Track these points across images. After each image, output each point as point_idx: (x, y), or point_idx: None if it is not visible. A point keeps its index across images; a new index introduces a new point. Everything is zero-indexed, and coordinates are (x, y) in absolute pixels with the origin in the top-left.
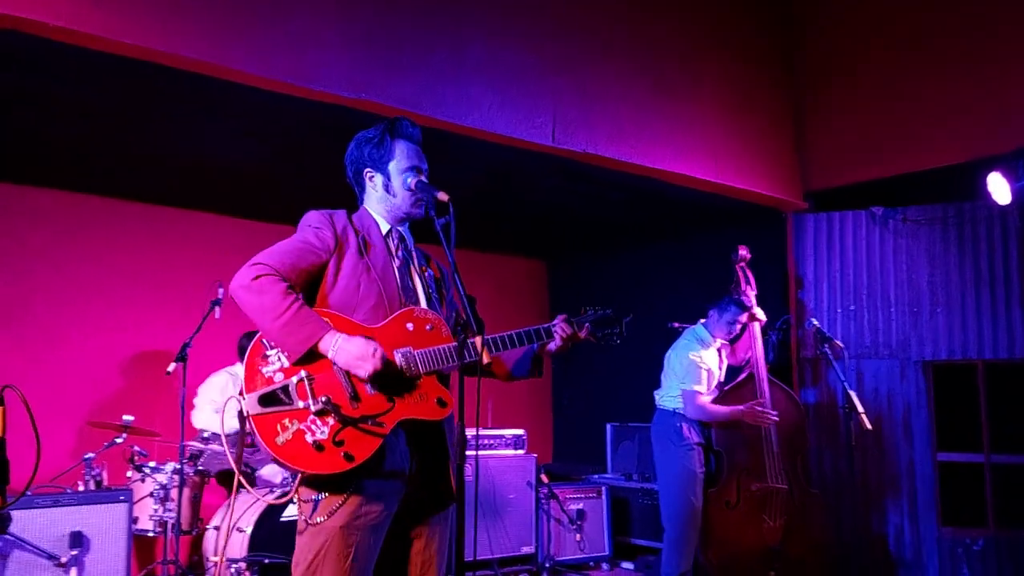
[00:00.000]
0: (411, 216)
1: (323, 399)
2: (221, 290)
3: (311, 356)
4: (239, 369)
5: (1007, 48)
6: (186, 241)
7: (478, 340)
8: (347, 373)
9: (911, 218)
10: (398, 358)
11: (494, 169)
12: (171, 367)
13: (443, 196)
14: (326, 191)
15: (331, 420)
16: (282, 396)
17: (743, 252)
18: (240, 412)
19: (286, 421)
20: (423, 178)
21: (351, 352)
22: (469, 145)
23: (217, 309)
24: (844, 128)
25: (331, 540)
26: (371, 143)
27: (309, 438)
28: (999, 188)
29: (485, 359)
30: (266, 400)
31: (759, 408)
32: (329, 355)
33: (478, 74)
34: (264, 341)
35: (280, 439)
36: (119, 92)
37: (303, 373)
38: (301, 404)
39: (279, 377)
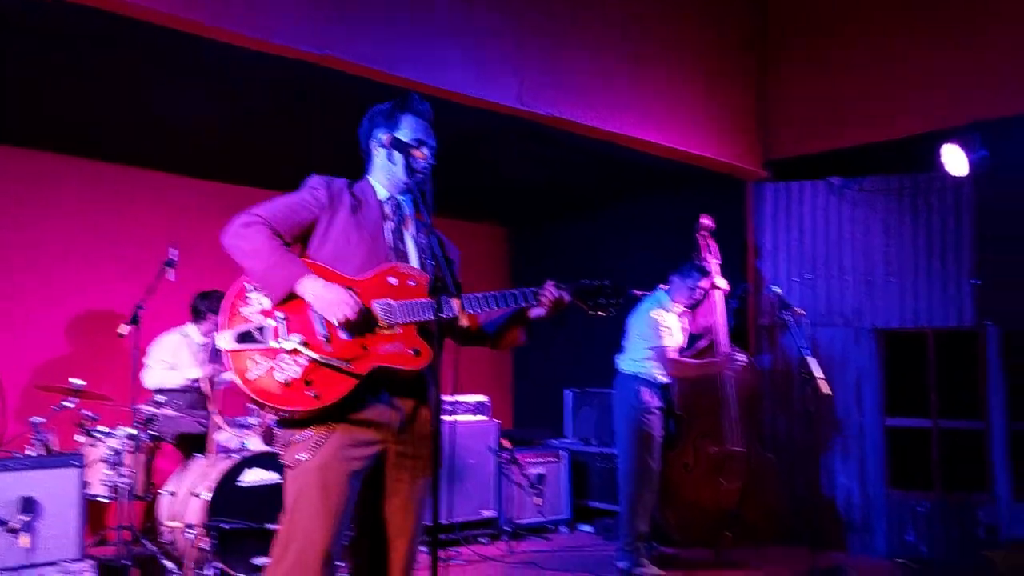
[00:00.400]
0: (410, 186)
1: (294, 338)
2: (174, 251)
3: (291, 298)
4: (191, 329)
5: (964, 23)
6: (139, 201)
7: (455, 302)
8: (323, 317)
9: (867, 188)
10: (377, 308)
11: (458, 132)
12: (123, 329)
13: (419, 155)
14: (285, 151)
15: (303, 360)
16: (257, 335)
17: (705, 222)
18: (215, 350)
19: (258, 357)
20: (427, 153)
21: (327, 298)
22: (434, 105)
23: (170, 271)
24: (805, 99)
25: (311, 479)
26: (381, 115)
27: (279, 375)
28: (954, 159)
29: (465, 321)
30: (242, 338)
31: (733, 354)
32: (307, 298)
33: (445, 34)
34: (246, 284)
35: (251, 374)
36: (68, 45)
37: (279, 314)
38: (274, 343)
39: (257, 317)
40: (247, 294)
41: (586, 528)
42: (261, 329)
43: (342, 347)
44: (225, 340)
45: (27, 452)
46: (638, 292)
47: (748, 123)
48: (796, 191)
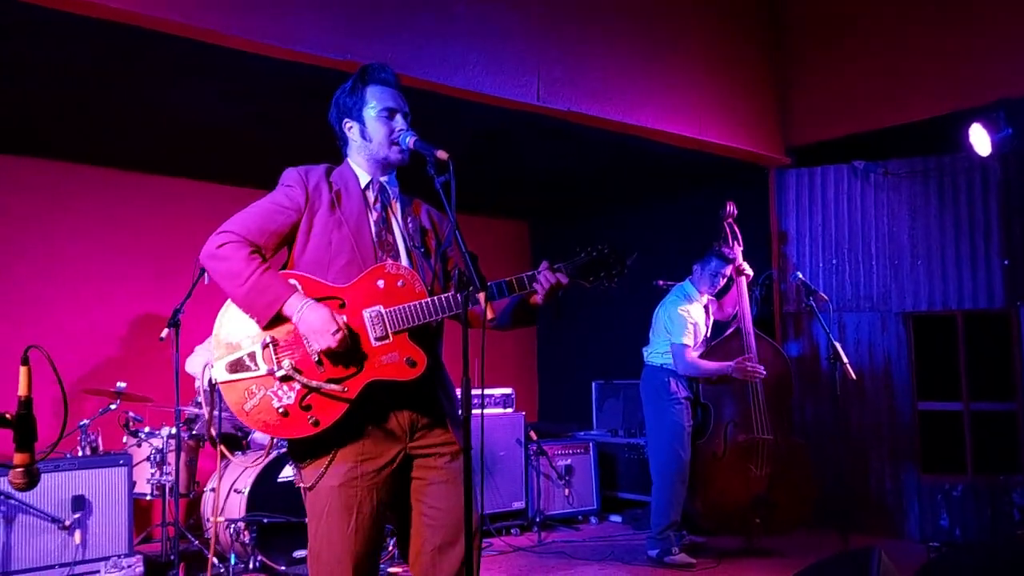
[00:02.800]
0: (390, 161)
1: (287, 364)
2: None
3: (279, 320)
4: None
5: (986, 1)
6: (174, 208)
7: (481, 297)
8: None
9: (892, 171)
10: (366, 319)
11: (479, 129)
12: (164, 333)
13: (442, 154)
14: (312, 156)
15: (297, 386)
16: (248, 362)
17: (730, 208)
18: (210, 380)
19: (253, 387)
20: (400, 119)
21: (312, 323)
22: (454, 106)
23: (207, 275)
24: (826, 82)
25: (331, 500)
26: (345, 93)
27: (276, 404)
28: (980, 140)
29: (489, 314)
30: (234, 367)
31: (748, 364)
32: (294, 319)
33: (463, 34)
34: (232, 308)
35: (248, 405)
36: (102, 56)
37: (267, 338)
38: (266, 369)
39: (246, 343)
40: (234, 318)
41: (615, 518)
42: (252, 355)
43: (335, 368)
44: (218, 371)
45: (77, 453)
46: (662, 283)
47: (769, 109)
48: (819, 176)
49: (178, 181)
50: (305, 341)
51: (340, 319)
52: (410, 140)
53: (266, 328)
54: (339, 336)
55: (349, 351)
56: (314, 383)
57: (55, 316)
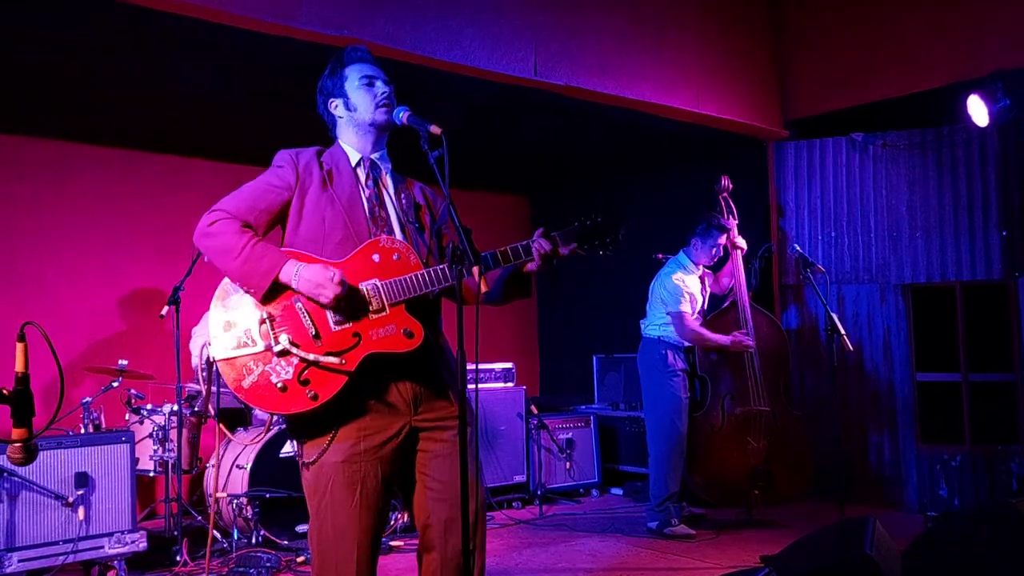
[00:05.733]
0: (376, 122)
1: (284, 339)
2: None
3: (276, 292)
4: None
5: None
6: (173, 186)
7: (475, 271)
8: (308, 312)
9: (891, 143)
10: (363, 292)
11: (476, 104)
12: (164, 311)
13: (436, 129)
14: (310, 133)
15: (295, 360)
16: (245, 339)
17: (725, 182)
18: (207, 358)
19: (251, 364)
20: (381, 84)
21: (310, 279)
22: (451, 80)
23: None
24: (824, 55)
25: (334, 476)
26: (326, 78)
27: (274, 379)
28: (978, 111)
29: (483, 287)
30: (232, 345)
31: (744, 339)
32: (292, 285)
33: (460, 8)
34: (228, 286)
35: (246, 382)
36: (98, 33)
37: (264, 314)
38: (263, 345)
39: (242, 321)
40: (229, 296)
41: (616, 491)
42: (249, 332)
43: (333, 340)
44: (216, 350)
45: (80, 431)
46: (660, 256)
47: (767, 82)
48: (818, 149)
49: (177, 159)
50: (303, 314)
51: (336, 271)
52: (403, 115)
53: (263, 301)
54: (339, 278)
55: (351, 306)
56: (312, 356)
57: (56, 295)
